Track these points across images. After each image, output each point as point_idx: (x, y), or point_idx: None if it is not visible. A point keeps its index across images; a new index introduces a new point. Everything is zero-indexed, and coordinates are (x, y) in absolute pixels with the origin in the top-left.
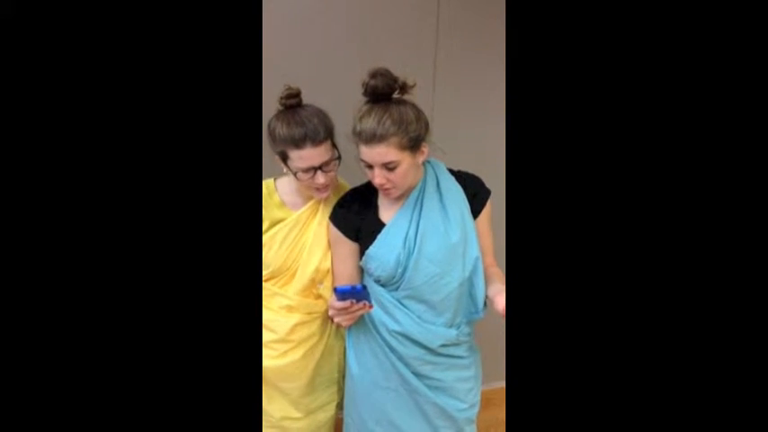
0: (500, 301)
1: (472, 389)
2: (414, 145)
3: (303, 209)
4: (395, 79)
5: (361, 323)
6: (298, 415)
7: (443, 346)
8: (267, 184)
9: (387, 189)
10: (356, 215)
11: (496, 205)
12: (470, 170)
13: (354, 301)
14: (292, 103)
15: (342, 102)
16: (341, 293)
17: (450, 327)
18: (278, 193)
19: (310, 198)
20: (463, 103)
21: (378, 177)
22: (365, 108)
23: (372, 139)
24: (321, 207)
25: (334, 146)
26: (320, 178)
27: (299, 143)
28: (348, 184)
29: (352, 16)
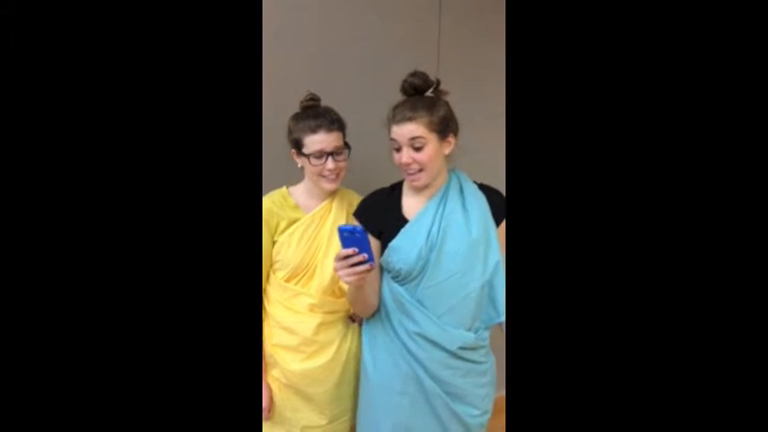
0: None
1: (487, 395)
2: (441, 129)
3: (316, 210)
4: (429, 79)
5: (379, 324)
6: (321, 422)
7: (462, 348)
8: (280, 191)
9: (412, 173)
10: (380, 212)
11: None
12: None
13: (357, 250)
14: (311, 104)
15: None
16: (342, 232)
17: (469, 330)
18: (292, 196)
19: (322, 201)
20: (464, 110)
21: (404, 157)
22: (402, 100)
23: (403, 118)
24: (333, 207)
25: (345, 144)
26: (330, 164)
27: (314, 128)
28: (355, 193)
29: (354, 23)
